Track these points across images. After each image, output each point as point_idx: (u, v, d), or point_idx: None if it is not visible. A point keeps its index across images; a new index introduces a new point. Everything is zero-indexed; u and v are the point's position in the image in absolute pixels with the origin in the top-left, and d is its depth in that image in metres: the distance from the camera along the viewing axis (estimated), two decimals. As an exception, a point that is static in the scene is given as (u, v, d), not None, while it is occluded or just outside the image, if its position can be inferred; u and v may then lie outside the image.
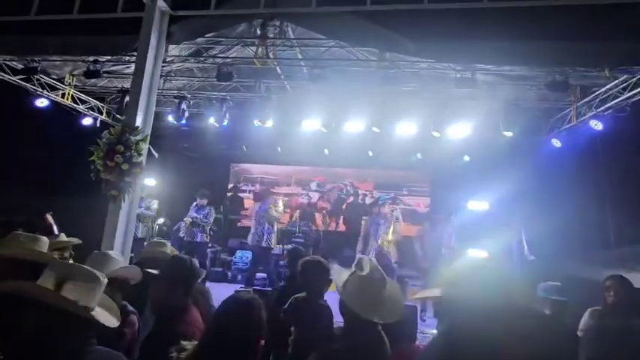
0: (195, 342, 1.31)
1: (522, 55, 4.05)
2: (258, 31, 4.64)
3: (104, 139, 3.74)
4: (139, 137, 3.84)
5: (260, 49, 4.48)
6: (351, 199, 9.22)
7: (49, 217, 5.76)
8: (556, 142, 6.13)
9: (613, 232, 5.03)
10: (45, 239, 2.25)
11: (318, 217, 9.04)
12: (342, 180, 9.36)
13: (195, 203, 6.52)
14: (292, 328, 1.89)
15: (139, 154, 3.79)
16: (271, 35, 4.56)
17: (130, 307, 1.87)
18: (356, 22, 4.07)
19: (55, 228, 5.47)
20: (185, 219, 6.42)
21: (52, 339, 1.08)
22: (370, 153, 7.95)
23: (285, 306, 2.01)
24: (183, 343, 1.33)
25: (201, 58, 5.24)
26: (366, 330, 1.46)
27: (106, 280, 1.26)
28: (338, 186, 9.36)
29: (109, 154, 3.65)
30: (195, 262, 1.87)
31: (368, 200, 9.07)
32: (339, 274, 1.77)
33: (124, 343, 1.69)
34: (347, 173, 9.30)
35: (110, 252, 2.17)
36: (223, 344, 1.21)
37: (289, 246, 6.29)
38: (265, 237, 6.09)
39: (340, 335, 1.63)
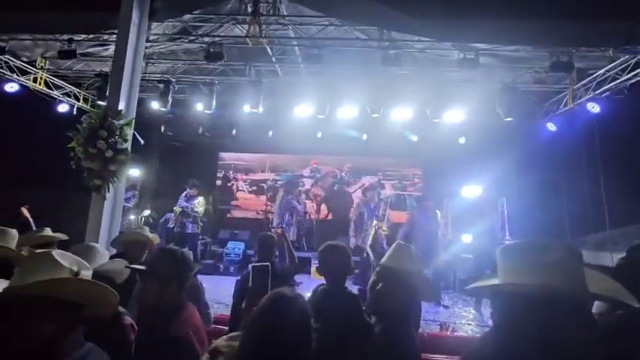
0: (230, 342, 1.13)
1: (527, 35, 3.93)
2: (249, 9, 4.33)
3: (84, 124, 3.42)
4: (123, 121, 3.54)
5: (252, 28, 4.18)
6: (336, 186, 9.08)
7: (25, 211, 5.39)
8: (551, 126, 6.11)
9: (608, 215, 5.07)
10: (14, 232, 2.02)
11: (309, 204, 8.87)
12: (337, 166, 9.17)
13: (184, 193, 6.26)
14: (315, 324, 1.72)
15: (124, 140, 3.50)
16: (264, 12, 4.26)
17: (122, 309, 1.64)
18: (354, -2, 3.84)
19: (32, 222, 5.12)
20: (174, 208, 6.16)
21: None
22: (365, 136, 7.78)
23: (309, 298, 1.85)
24: (219, 343, 1.15)
25: (192, 37, 4.87)
26: None
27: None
28: (332, 172, 9.19)
29: (91, 140, 3.34)
30: (187, 253, 1.66)
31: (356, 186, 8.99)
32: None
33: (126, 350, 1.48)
34: (339, 159, 9.12)
35: (95, 244, 1.94)
36: (277, 347, 1.04)
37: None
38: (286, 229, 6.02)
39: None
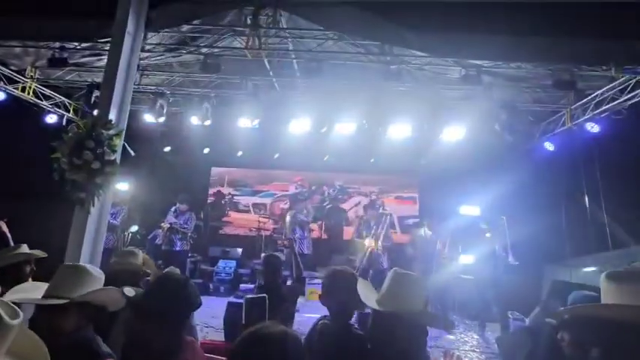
0: None
1: (527, 52, 3.90)
2: (249, 21, 4.25)
3: (70, 133, 3.22)
4: (112, 132, 3.34)
5: (251, 40, 4.10)
6: (327, 203, 8.88)
7: (3, 225, 5.07)
8: (549, 146, 6.09)
9: (610, 235, 4.97)
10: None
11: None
12: (325, 183, 8.98)
13: (174, 208, 6.00)
14: None
15: (113, 151, 3.29)
16: (263, 25, 4.19)
17: (106, 349, 1.39)
18: (356, 13, 3.78)
19: (9, 238, 4.80)
20: (162, 224, 5.88)
21: None
22: (371, 158, 7.68)
23: (308, 334, 1.62)
24: None
25: (189, 48, 4.77)
26: None
27: (15, 323, 0.82)
28: (320, 189, 9.00)
29: (76, 151, 3.13)
30: (191, 284, 1.39)
31: (350, 205, 8.80)
32: (365, 293, 1.42)
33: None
34: (335, 177, 8.97)
35: (86, 265, 1.68)
36: None
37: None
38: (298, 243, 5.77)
39: None
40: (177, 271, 1.76)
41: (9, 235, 4.87)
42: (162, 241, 5.87)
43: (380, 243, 5.79)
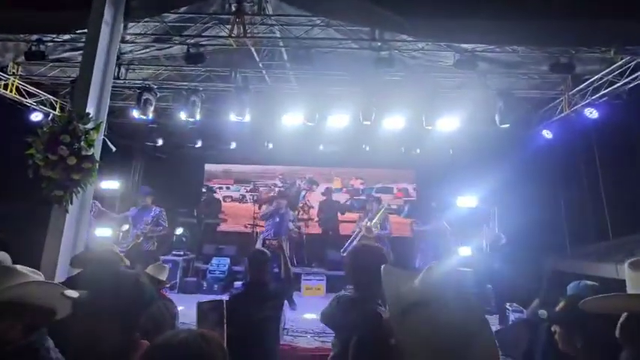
0: None
1: (522, 35, 3.76)
2: (233, 8, 4.09)
3: (44, 128, 3.07)
4: (89, 125, 3.19)
5: (236, 28, 3.93)
6: (324, 197, 8.74)
7: (-13, 227, 4.93)
8: (547, 134, 5.96)
9: (611, 224, 4.86)
10: None
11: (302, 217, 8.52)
12: (301, 175, 8.85)
13: (136, 208, 5.44)
14: (333, 339, 1.44)
15: (90, 146, 3.14)
16: (249, 12, 4.02)
17: (56, 355, 1.25)
18: (346, -2, 3.63)
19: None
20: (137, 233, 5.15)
21: None
22: (363, 147, 7.51)
23: (326, 307, 1.52)
24: None
25: (171, 38, 4.59)
26: None
27: None
28: (294, 184, 8.86)
29: (51, 146, 2.98)
30: (144, 282, 1.27)
31: (342, 196, 8.67)
32: (394, 286, 1.07)
33: None
34: (330, 170, 8.82)
35: (16, 266, 1.47)
36: None
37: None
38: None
39: None
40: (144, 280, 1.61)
41: (-7, 236, 4.75)
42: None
43: (373, 228, 5.64)
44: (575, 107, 5.26)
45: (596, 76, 4.79)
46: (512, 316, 4.71)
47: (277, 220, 5.70)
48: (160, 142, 7.63)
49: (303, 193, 8.78)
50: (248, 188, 8.86)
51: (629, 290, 0.92)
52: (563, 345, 1.55)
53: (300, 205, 8.66)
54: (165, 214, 5.34)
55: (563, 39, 3.56)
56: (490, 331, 0.93)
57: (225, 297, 1.54)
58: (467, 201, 6.77)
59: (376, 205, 6.01)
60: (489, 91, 5.36)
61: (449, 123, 6.01)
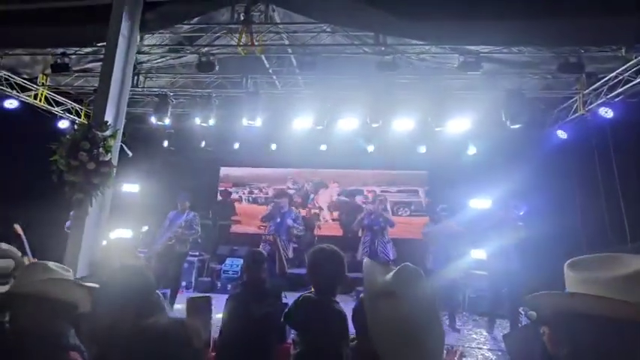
0: None
1: (527, 35, 3.72)
2: (242, 18, 4.25)
3: (68, 136, 3.31)
4: (107, 133, 3.41)
5: (244, 36, 4.09)
6: (346, 199, 8.80)
7: (18, 228, 5.29)
8: (562, 134, 5.81)
9: (629, 228, 4.69)
10: None
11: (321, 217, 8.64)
12: (309, 178, 8.96)
13: (175, 212, 5.63)
14: (295, 337, 1.55)
15: (108, 152, 3.36)
16: (256, 21, 4.17)
17: (74, 341, 1.40)
18: (347, 3, 3.71)
19: (25, 240, 4.99)
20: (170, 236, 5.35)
21: None
22: (370, 149, 7.53)
23: (289, 308, 1.63)
24: None
25: (183, 48, 4.81)
26: None
27: None
28: (303, 187, 8.95)
29: (73, 152, 3.21)
30: (147, 272, 1.42)
31: (359, 199, 8.71)
32: (373, 275, 1.28)
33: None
34: (341, 173, 8.88)
35: (48, 262, 1.68)
36: None
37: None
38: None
39: None
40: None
41: (23, 236, 5.10)
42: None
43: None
44: (590, 107, 5.13)
45: (610, 75, 4.66)
46: (524, 321, 4.63)
47: (278, 220, 5.82)
48: (176, 146, 7.94)
49: (312, 196, 8.88)
50: (260, 190, 9.05)
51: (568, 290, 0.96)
52: (551, 348, 1.56)
53: (309, 206, 8.76)
54: (199, 219, 5.58)
55: (569, 38, 3.51)
56: (440, 325, 1.10)
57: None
58: (480, 203, 6.67)
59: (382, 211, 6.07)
60: (500, 91, 5.29)
61: (460, 124, 5.97)
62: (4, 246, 2.05)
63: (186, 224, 5.37)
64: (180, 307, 4.48)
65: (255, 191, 9.06)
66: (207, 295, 1.58)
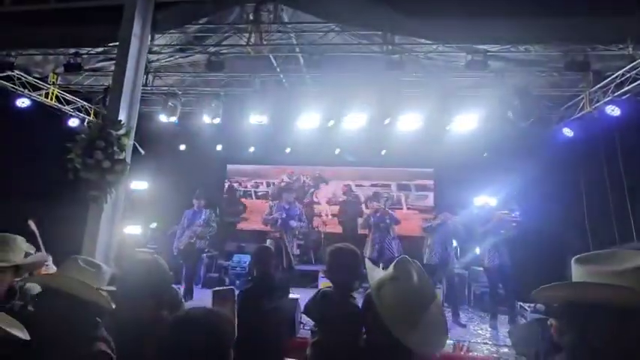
0: None
1: (535, 33, 3.76)
2: (251, 17, 4.30)
3: (82, 135, 3.40)
4: (121, 132, 3.50)
5: (253, 36, 4.14)
6: (345, 197, 8.85)
7: (32, 225, 5.41)
8: (568, 132, 5.82)
9: (635, 226, 4.71)
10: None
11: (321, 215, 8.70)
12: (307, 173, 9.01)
13: (192, 210, 5.96)
14: (313, 327, 1.68)
15: (122, 150, 3.44)
16: (265, 21, 4.22)
17: (102, 333, 1.48)
18: (356, 2, 3.76)
19: (38, 235, 5.11)
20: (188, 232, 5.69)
21: None
22: (377, 147, 7.59)
23: (308, 302, 1.73)
24: None
25: (193, 48, 4.88)
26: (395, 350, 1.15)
27: None
28: (299, 179, 9.00)
29: (88, 151, 3.30)
30: (164, 265, 1.48)
31: (362, 196, 8.74)
32: (375, 271, 1.49)
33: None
34: (347, 171, 8.93)
35: (78, 257, 1.76)
36: None
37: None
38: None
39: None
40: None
41: (37, 233, 5.22)
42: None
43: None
44: (596, 105, 5.13)
45: (617, 73, 4.66)
46: (529, 317, 4.68)
47: (284, 215, 5.91)
48: (184, 144, 8.03)
49: (311, 190, 8.92)
50: (267, 187, 9.13)
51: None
52: (560, 339, 1.63)
53: (306, 201, 8.79)
54: (215, 216, 5.89)
55: (575, 36, 3.54)
56: (438, 301, 1.34)
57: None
58: (485, 201, 6.69)
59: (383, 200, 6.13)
60: (507, 89, 5.31)
61: (467, 122, 6.00)
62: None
63: (204, 223, 5.60)
64: (191, 303, 4.59)
65: (262, 187, 9.15)
66: (231, 287, 1.67)
